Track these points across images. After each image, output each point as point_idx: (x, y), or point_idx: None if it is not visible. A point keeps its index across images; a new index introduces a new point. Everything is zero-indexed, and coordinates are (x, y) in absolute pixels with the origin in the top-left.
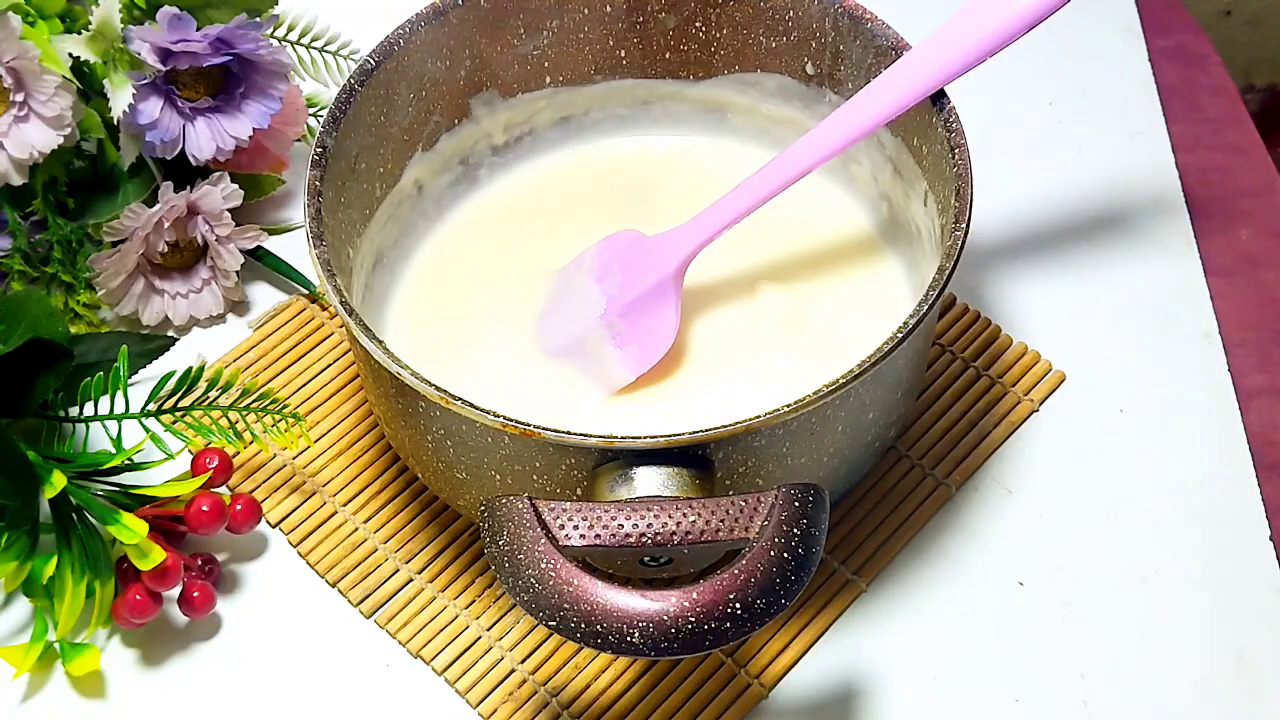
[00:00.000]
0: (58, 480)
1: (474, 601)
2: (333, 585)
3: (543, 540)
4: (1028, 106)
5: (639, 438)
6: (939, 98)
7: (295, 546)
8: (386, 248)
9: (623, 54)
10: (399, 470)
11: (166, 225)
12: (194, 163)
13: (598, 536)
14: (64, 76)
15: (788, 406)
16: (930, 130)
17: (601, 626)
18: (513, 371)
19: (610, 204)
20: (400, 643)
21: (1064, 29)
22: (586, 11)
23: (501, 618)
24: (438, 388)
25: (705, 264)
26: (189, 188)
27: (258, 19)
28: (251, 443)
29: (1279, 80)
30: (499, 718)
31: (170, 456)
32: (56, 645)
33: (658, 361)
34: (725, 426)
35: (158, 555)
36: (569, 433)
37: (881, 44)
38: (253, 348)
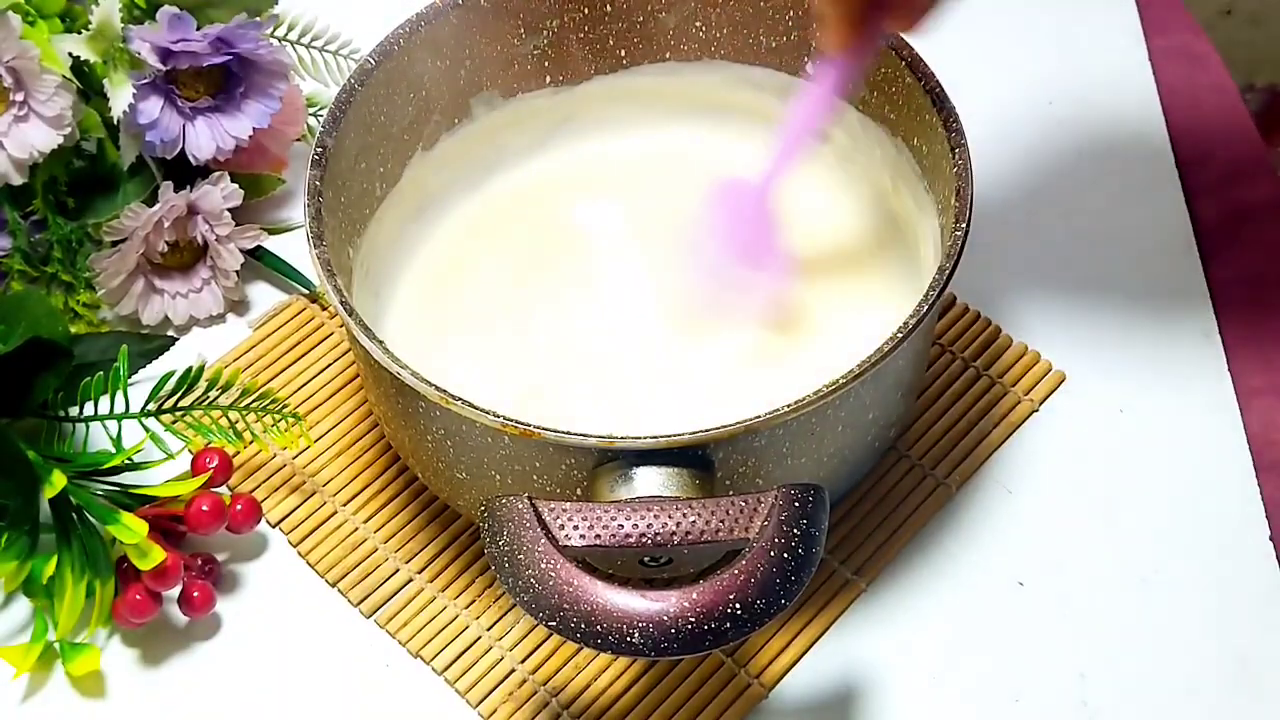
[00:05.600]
0: (58, 480)
1: (474, 601)
2: (333, 585)
3: (543, 540)
4: (1028, 106)
5: (639, 438)
6: (939, 98)
7: (295, 546)
8: (387, 247)
9: (623, 54)
10: (399, 470)
11: (166, 225)
12: (194, 162)
13: (598, 537)
14: (64, 76)
15: (788, 406)
16: (930, 130)
17: (601, 627)
18: (513, 370)
19: (611, 204)
20: (400, 643)
21: (1064, 29)
22: (586, 11)
23: (501, 618)
24: (438, 388)
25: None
26: (189, 187)
27: (258, 19)
28: (251, 442)
29: (1279, 80)
30: (499, 718)
31: (170, 456)
32: (56, 645)
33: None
34: (725, 426)
35: (157, 555)
36: (569, 433)
37: (880, 44)
38: (253, 348)
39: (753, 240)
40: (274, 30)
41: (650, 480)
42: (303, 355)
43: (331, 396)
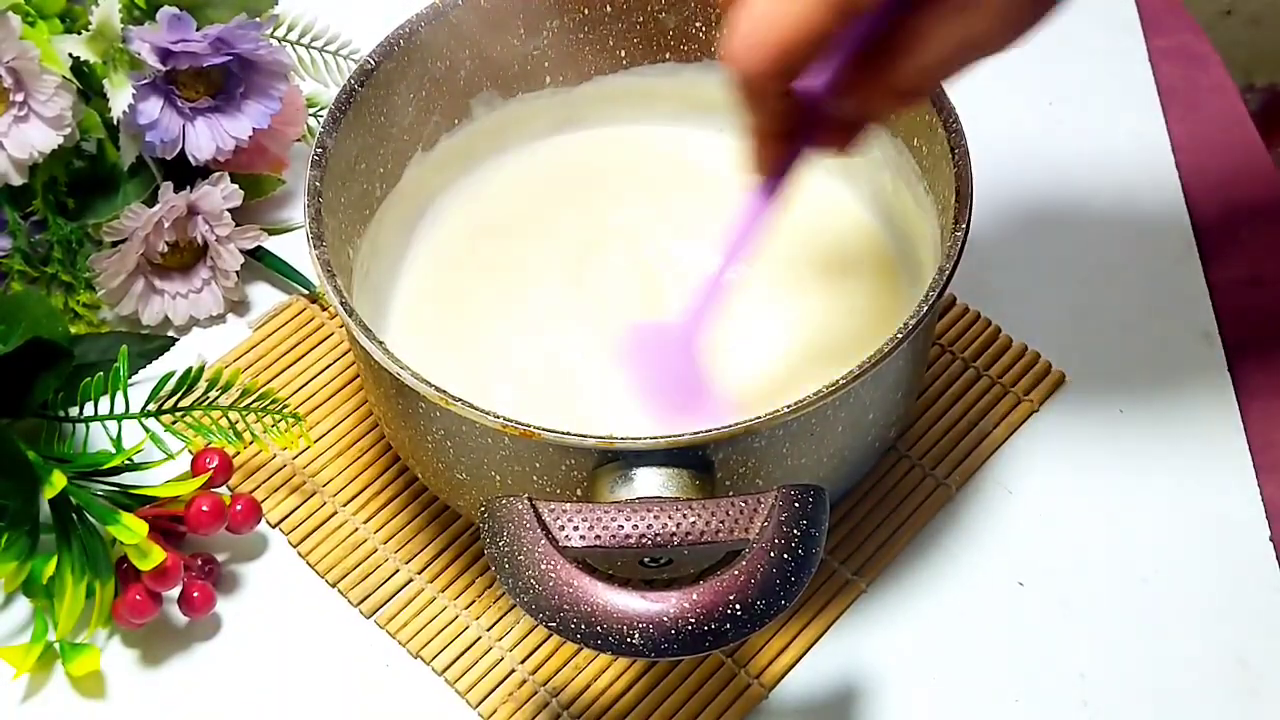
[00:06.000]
0: (58, 480)
1: (474, 601)
2: (333, 585)
3: (543, 541)
4: (1028, 106)
5: (639, 438)
6: (939, 98)
7: (295, 546)
8: (387, 248)
9: (623, 54)
10: (399, 470)
11: (166, 225)
12: (194, 163)
13: (598, 537)
14: (64, 76)
15: (788, 407)
16: (930, 130)
17: (601, 627)
18: (513, 371)
19: (611, 204)
20: (400, 643)
21: (1064, 29)
22: (586, 11)
23: (501, 618)
24: (437, 388)
25: (705, 263)
26: (189, 188)
27: (257, 19)
28: (251, 443)
29: (1279, 80)
30: (499, 718)
31: (170, 456)
32: (56, 645)
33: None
34: (725, 427)
35: (157, 555)
36: (568, 433)
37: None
38: (253, 348)
39: (678, 386)
40: (274, 31)
41: (650, 481)
42: (303, 355)
43: (332, 396)
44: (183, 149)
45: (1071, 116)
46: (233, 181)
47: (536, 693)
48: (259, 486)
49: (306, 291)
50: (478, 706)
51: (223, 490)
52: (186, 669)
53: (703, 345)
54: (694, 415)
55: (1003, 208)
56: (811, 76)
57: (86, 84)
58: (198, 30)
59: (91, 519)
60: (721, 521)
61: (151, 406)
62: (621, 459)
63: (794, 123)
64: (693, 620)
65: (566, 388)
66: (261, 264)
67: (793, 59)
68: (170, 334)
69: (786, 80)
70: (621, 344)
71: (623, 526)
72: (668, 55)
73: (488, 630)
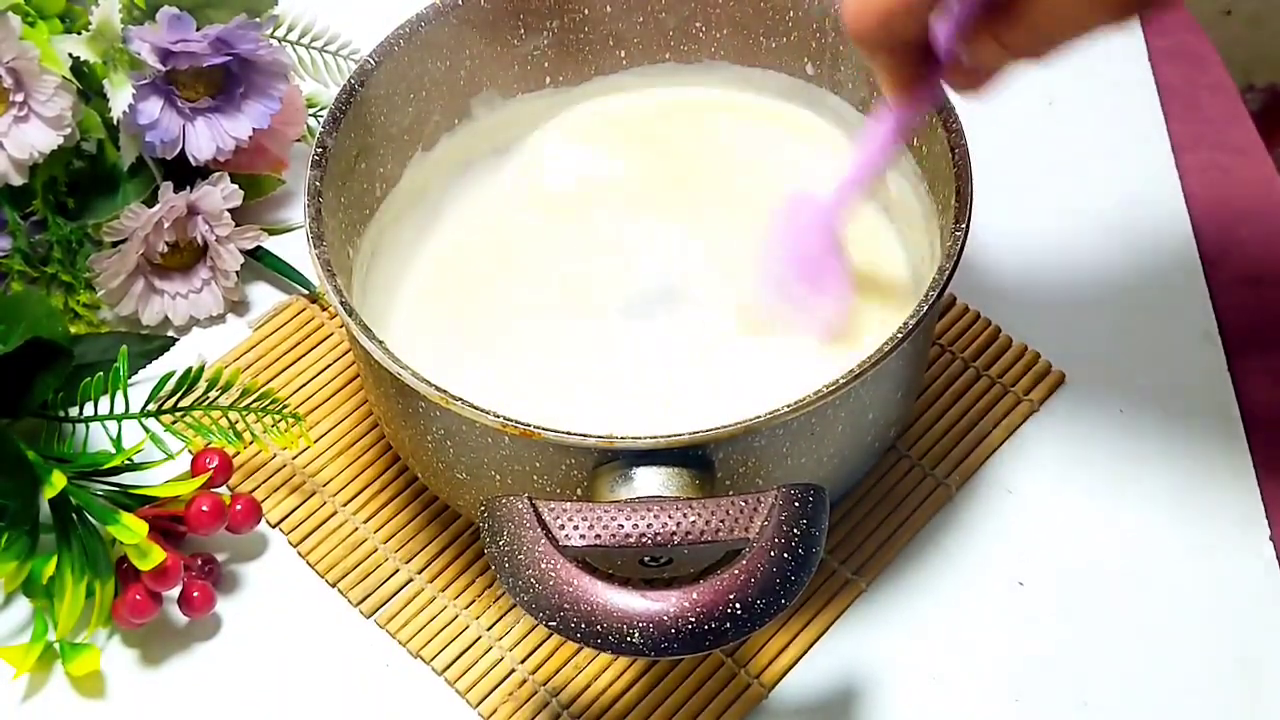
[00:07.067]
0: (58, 480)
1: (474, 601)
2: (333, 585)
3: (543, 540)
4: (1028, 106)
5: (639, 438)
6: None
7: (295, 546)
8: (387, 248)
9: (623, 54)
10: (399, 470)
11: (166, 225)
12: (194, 163)
13: (598, 537)
14: (64, 76)
15: (788, 406)
16: (930, 130)
17: (601, 627)
18: (513, 370)
19: (610, 204)
20: (400, 643)
21: None
22: (586, 11)
23: (501, 618)
24: (438, 388)
25: (705, 258)
26: (189, 188)
27: (257, 19)
28: (251, 443)
29: (1279, 80)
30: (499, 718)
31: (170, 456)
32: (56, 645)
33: (849, 302)
34: (725, 426)
35: (157, 555)
36: (569, 433)
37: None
38: (253, 348)
39: (815, 259)
40: (274, 31)
41: (650, 480)
42: (303, 355)
43: (331, 396)
44: (183, 149)
45: (1071, 116)
46: (233, 181)
47: (536, 692)
48: (259, 486)
49: (306, 291)
50: (478, 706)
51: (223, 490)
52: (186, 669)
53: (841, 223)
54: (817, 289)
55: (1003, 208)
56: (940, 21)
57: (86, 84)
58: (198, 30)
59: (91, 519)
60: (721, 521)
61: (151, 406)
62: (621, 458)
63: (917, 66)
64: (693, 619)
65: (567, 386)
66: (261, 264)
67: (897, 23)
68: (170, 334)
69: (895, 40)
70: (775, 215)
71: (623, 526)
72: (668, 55)
73: (488, 630)
